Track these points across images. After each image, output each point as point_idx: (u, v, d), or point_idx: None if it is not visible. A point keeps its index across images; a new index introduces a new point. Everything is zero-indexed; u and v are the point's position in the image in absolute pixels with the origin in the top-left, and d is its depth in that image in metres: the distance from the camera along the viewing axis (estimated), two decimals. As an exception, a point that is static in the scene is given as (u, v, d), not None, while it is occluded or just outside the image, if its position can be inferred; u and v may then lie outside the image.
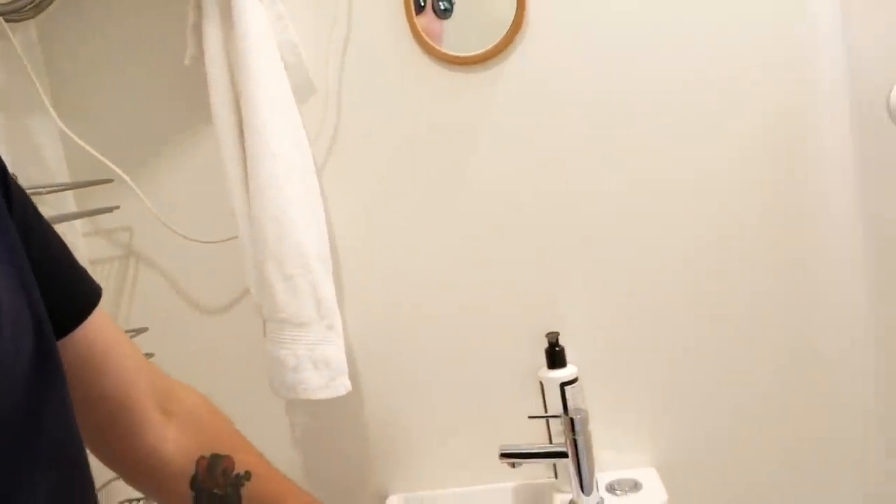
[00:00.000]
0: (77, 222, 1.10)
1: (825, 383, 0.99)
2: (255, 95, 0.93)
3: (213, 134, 1.00)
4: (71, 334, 0.53)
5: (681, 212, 1.00)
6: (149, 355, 1.04)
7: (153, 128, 1.08)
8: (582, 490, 1.00)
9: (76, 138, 0.99)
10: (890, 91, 0.82)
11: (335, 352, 0.99)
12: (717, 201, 0.99)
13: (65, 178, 1.08)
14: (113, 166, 1.00)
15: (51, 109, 0.99)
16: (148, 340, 1.07)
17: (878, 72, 0.86)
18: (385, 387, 1.09)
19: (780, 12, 0.93)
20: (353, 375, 1.02)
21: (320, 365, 0.98)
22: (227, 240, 1.03)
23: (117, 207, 1.06)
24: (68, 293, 0.53)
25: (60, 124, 0.99)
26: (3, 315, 0.40)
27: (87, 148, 0.99)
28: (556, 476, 1.06)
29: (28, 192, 0.51)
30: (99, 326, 0.56)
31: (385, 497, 1.12)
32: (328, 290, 0.99)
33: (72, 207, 1.10)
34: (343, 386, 0.99)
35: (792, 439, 1.02)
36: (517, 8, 0.98)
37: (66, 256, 0.54)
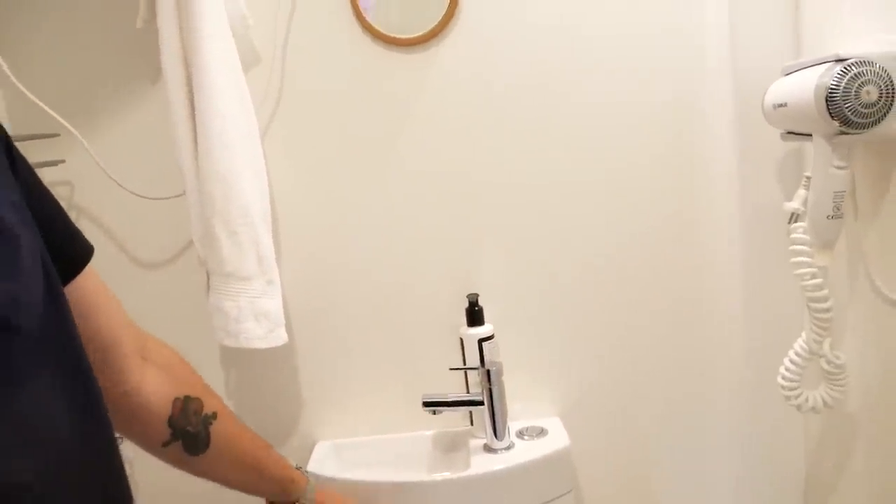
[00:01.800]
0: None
1: (703, 336, 1.15)
2: (206, 58, 0.99)
3: (160, 94, 1.05)
4: (67, 285, 0.58)
5: (584, 189, 1.13)
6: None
7: (100, 84, 1.11)
8: (495, 435, 1.11)
9: (23, 89, 1.01)
10: (764, 94, 0.96)
11: (274, 305, 1.07)
12: (617, 178, 1.12)
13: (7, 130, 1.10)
14: (60, 119, 1.03)
15: (-1, 60, 1.02)
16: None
17: (757, 75, 1.00)
18: (316, 340, 1.17)
19: (675, 19, 1.07)
20: (288, 328, 1.10)
21: (260, 317, 1.05)
22: (174, 197, 1.08)
23: (63, 161, 1.09)
24: (64, 249, 0.57)
25: (8, 71, 1.01)
26: (23, 249, 0.46)
27: (34, 99, 1.02)
28: (471, 423, 1.17)
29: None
30: (90, 281, 0.62)
31: (314, 443, 1.20)
32: (269, 247, 1.06)
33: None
34: (280, 337, 1.07)
35: (675, 389, 1.17)
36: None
37: (61, 215, 0.59)
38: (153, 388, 0.70)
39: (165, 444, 0.72)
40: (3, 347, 0.42)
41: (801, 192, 0.96)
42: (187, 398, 0.73)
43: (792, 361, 0.95)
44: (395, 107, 1.11)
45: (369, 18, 1.09)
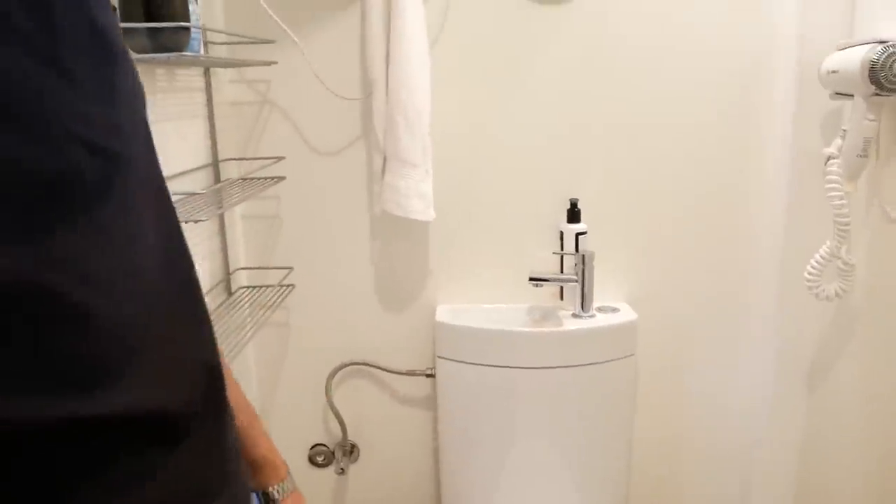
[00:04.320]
0: (223, 70, 1.45)
1: (749, 246, 1.50)
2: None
3: (353, 18, 1.37)
4: None
5: (667, 126, 1.46)
6: (279, 178, 1.42)
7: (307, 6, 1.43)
8: (583, 307, 1.47)
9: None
10: (820, 63, 1.29)
11: (429, 189, 1.40)
12: (698, 120, 1.45)
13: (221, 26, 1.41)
14: (283, 25, 1.34)
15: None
16: (279, 168, 1.44)
17: (817, 47, 1.33)
18: (448, 223, 1.51)
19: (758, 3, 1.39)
20: (432, 211, 1.44)
21: (422, 196, 1.39)
22: (363, 98, 1.41)
23: (275, 62, 1.41)
24: None
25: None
26: (126, 65, 0.44)
27: (263, 4, 1.33)
28: (561, 298, 1.52)
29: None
30: None
31: (435, 307, 1.55)
32: (429, 143, 1.39)
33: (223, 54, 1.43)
34: (432, 214, 1.41)
35: (721, 286, 1.52)
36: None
37: None
38: None
39: None
40: (107, 176, 0.39)
41: (838, 140, 1.30)
42: None
43: (816, 262, 1.30)
44: (532, 46, 1.44)
45: (521, -24, 1.41)
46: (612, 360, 1.46)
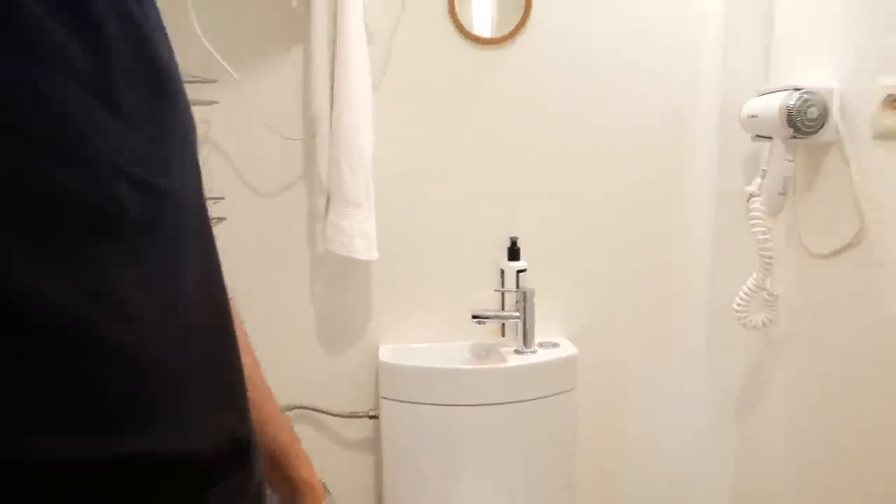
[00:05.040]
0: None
1: (680, 281, 1.57)
2: (348, 39, 1.32)
3: (298, 57, 1.37)
4: None
5: (598, 171, 1.52)
6: (220, 219, 1.39)
7: (254, 49, 1.42)
8: (525, 343, 1.49)
9: (199, 33, 1.31)
10: (741, 108, 1.39)
11: (372, 228, 1.41)
12: (625, 164, 1.53)
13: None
14: (225, 64, 1.33)
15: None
16: (219, 209, 1.41)
17: (738, 94, 1.43)
18: (389, 262, 1.51)
19: (679, 54, 1.49)
20: (375, 250, 1.44)
21: (364, 235, 1.39)
22: (306, 138, 1.41)
23: (216, 102, 1.39)
24: None
25: (195, 22, 1.30)
26: (182, 103, 0.44)
27: (206, 45, 1.31)
28: (503, 335, 1.54)
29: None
30: None
31: (378, 347, 1.54)
32: (371, 184, 1.40)
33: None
34: (374, 254, 1.41)
35: (656, 321, 1.58)
36: (524, 7, 1.45)
37: None
38: None
39: None
40: (151, 212, 0.39)
41: (758, 179, 1.39)
42: None
43: (744, 293, 1.38)
44: (472, 88, 1.48)
45: (460, 19, 1.45)
46: (553, 395, 1.48)
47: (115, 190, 0.36)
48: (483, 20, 1.46)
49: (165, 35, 0.43)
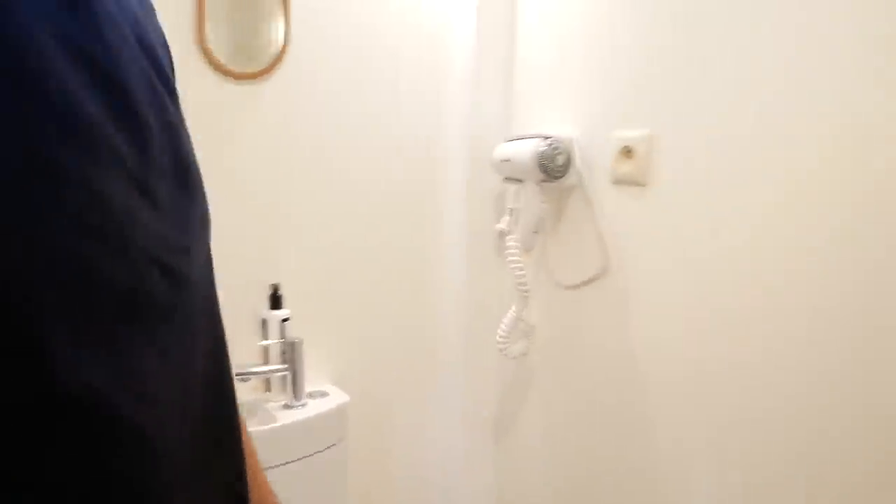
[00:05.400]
0: None
1: (436, 324, 1.61)
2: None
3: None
4: None
5: (356, 213, 1.51)
6: None
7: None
8: (295, 396, 1.39)
9: None
10: (492, 152, 1.48)
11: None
12: (384, 207, 1.53)
13: None
14: None
15: None
16: None
17: (484, 141, 1.52)
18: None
19: (427, 97, 1.54)
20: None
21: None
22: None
23: None
24: None
25: None
26: (202, 196, 0.47)
27: None
28: (269, 389, 1.43)
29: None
30: None
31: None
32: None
33: None
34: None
35: (417, 361, 1.60)
36: (283, 41, 1.37)
37: None
38: None
39: None
40: (172, 298, 0.40)
41: (506, 217, 1.49)
42: None
43: (505, 325, 1.46)
44: (229, 126, 1.35)
45: (211, 48, 1.32)
46: (326, 449, 1.41)
47: (147, 277, 0.38)
48: (237, 51, 1.35)
49: (187, 128, 0.46)
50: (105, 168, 0.35)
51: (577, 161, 1.36)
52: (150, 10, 0.47)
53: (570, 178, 1.37)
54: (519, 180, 1.44)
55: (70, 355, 0.33)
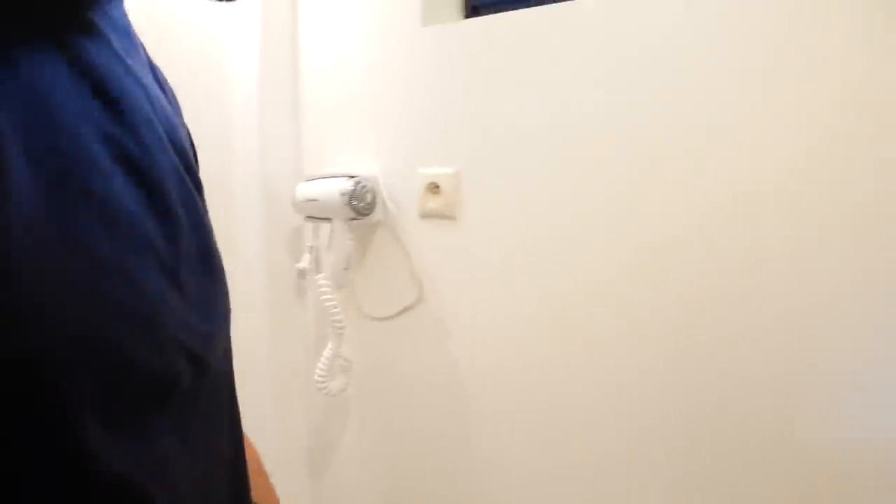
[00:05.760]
0: None
1: (239, 368, 1.54)
2: None
3: None
4: None
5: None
6: None
7: None
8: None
9: None
10: (294, 191, 1.46)
11: None
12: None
13: None
14: None
15: None
16: None
17: (279, 181, 1.50)
18: None
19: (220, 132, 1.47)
20: None
21: None
22: None
23: None
24: None
25: None
26: (225, 287, 0.50)
27: None
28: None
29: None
30: None
31: None
32: None
33: None
34: None
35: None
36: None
37: None
38: None
39: None
40: (196, 384, 0.41)
41: (307, 255, 1.49)
42: None
43: (323, 363, 1.46)
44: None
45: None
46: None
47: (175, 363, 0.39)
48: None
49: (209, 220, 0.49)
50: (142, 258, 0.37)
51: (385, 198, 1.41)
52: (178, 108, 0.51)
53: (377, 215, 1.42)
54: (325, 219, 1.45)
55: (104, 443, 0.33)
